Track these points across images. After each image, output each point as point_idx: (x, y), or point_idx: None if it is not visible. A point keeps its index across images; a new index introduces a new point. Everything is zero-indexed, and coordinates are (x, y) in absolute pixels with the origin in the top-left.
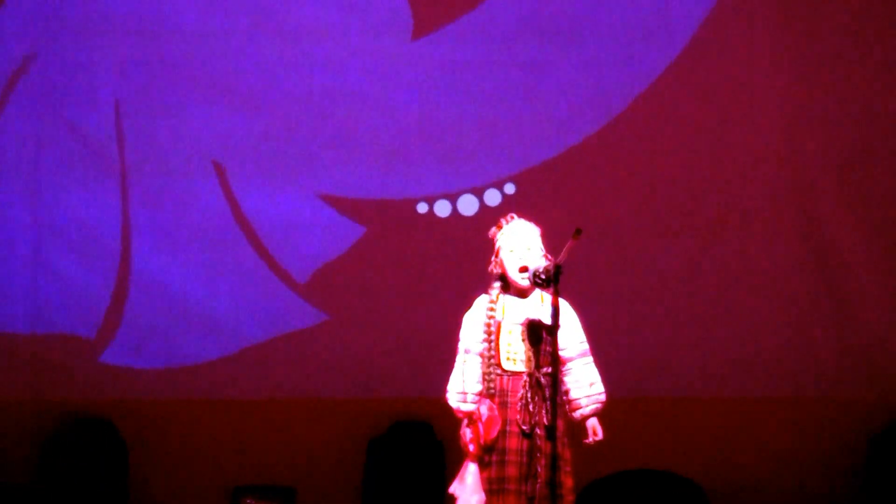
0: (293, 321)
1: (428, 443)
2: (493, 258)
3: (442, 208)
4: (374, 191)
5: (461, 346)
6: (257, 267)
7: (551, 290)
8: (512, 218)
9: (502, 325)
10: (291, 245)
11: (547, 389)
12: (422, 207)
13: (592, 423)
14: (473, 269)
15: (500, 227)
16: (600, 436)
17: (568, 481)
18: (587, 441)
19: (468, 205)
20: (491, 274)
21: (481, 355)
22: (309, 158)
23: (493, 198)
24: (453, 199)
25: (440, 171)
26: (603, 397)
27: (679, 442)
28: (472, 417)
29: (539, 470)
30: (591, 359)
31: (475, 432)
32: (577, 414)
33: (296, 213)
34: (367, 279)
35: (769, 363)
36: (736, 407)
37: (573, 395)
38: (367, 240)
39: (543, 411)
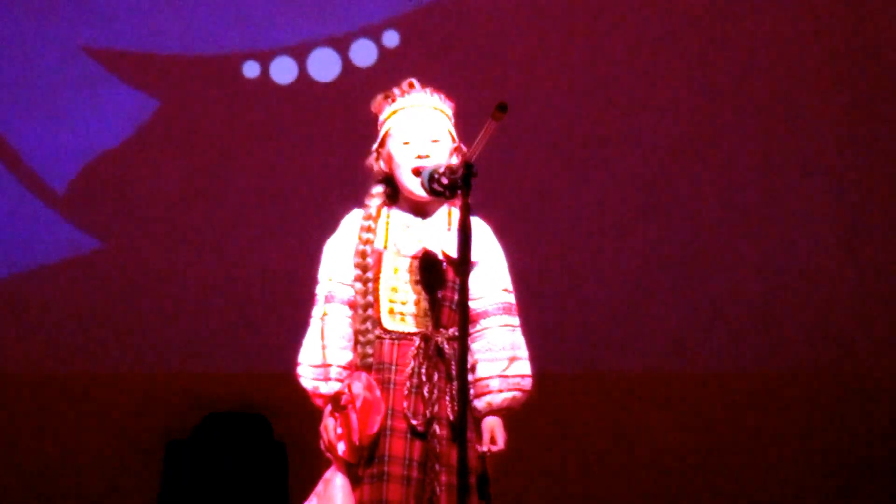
0: (45, 250)
1: (262, 445)
2: (374, 149)
3: (283, 70)
4: (174, 42)
5: (319, 291)
6: None
7: (458, 203)
8: (411, 87)
9: (385, 259)
10: (44, 134)
11: (453, 363)
12: (251, 69)
13: (490, 423)
14: (336, 169)
15: (390, 99)
16: (500, 445)
17: None
18: (481, 449)
19: (325, 64)
20: (370, 174)
21: (351, 305)
22: None
23: (363, 53)
24: (301, 56)
25: (280, 12)
26: (527, 383)
27: (643, 424)
28: (338, 402)
29: (437, 492)
30: (516, 319)
31: (345, 424)
32: (483, 402)
33: (45, 78)
34: (161, 184)
35: (737, 335)
36: (705, 383)
37: (481, 371)
38: (160, 121)
39: (446, 398)
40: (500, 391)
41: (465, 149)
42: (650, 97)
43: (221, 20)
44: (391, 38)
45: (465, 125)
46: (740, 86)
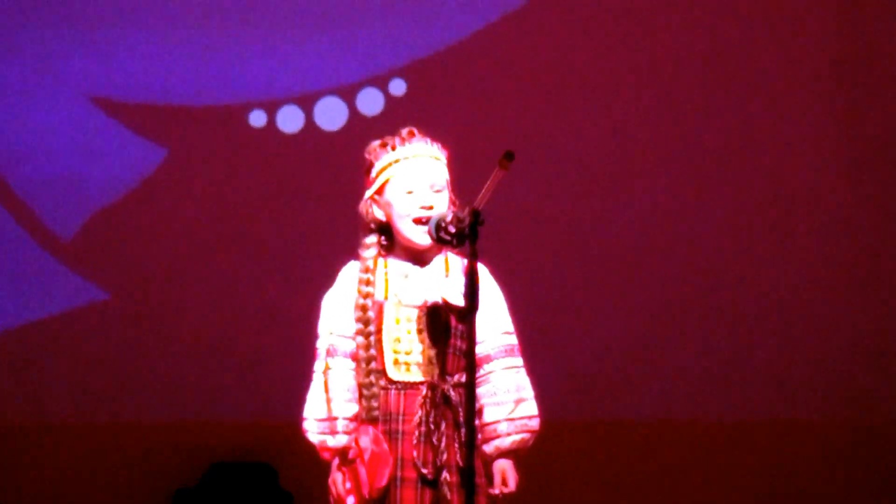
0: (51, 300)
1: (269, 494)
2: (369, 196)
3: (290, 119)
4: (181, 92)
5: (320, 345)
6: None
7: (462, 251)
8: (411, 135)
9: (386, 310)
10: (51, 184)
11: (461, 409)
12: (257, 118)
13: (501, 466)
14: (341, 216)
15: (389, 147)
16: (511, 486)
17: None
18: (492, 492)
19: (332, 113)
20: (364, 223)
21: (354, 357)
22: (75, 42)
23: (370, 101)
24: (308, 105)
25: (287, 60)
26: (535, 423)
27: (654, 472)
28: (345, 456)
29: None
30: (520, 360)
31: (354, 478)
32: (492, 447)
33: (53, 128)
34: (168, 234)
35: (750, 384)
36: (716, 431)
37: (488, 416)
38: (167, 171)
39: (455, 445)
40: (509, 434)
41: (455, 199)
42: (660, 145)
43: (228, 70)
44: (398, 87)
45: (472, 172)
46: (749, 131)
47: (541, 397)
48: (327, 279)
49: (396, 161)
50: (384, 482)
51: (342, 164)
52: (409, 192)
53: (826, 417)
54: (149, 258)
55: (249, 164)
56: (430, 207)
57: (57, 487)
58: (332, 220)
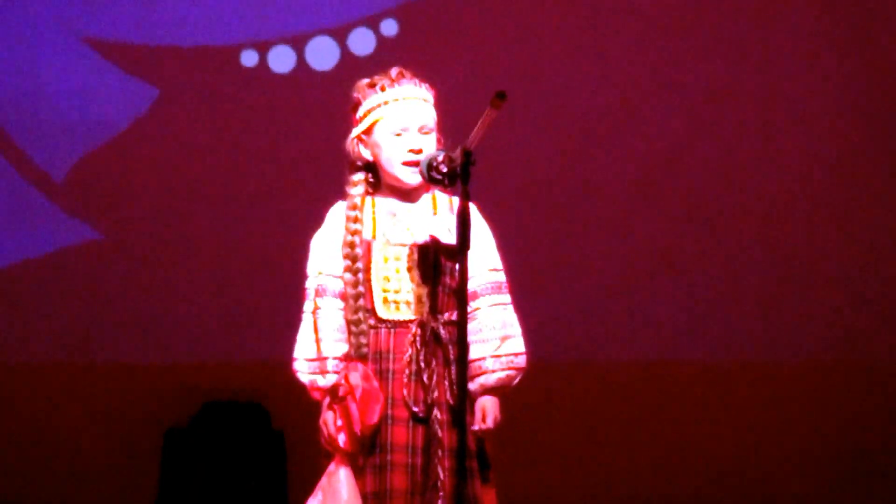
0: (44, 240)
1: (260, 434)
2: (356, 136)
3: (281, 59)
4: (173, 32)
5: (309, 285)
6: None
7: (451, 190)
8: (400, 76)
9: (374, 249)
10: (42, 124)
11: (451, 347)
12: (249, 58)
13: (482, 403)
14: (332, 157)
15: (378, 88)
16: (490, 423)
17: (487, 495)
18: (473, 428)
19: (324, 53)
20: (350, 161)
21: (343, 297)
22: None
23: (362, 42)
24: (300, 45)
25: (279, 1)
26: (521, 360)
27: (642, 414)
28: (336, 393)
29: (441, 477)
30: (507, 297)
31: (345, 415)
32: (477, 384)
33: (44, 69)
34: (159, 174)
35: (739, 325)
36: (704, 372)
37: (474, 353)
38: (158, 111)
39: (445, 383)
40: (493, 371)
41: (441, 138)
42: (652, 87)
43: (219, 10)
44: (389, 27)
45: (463, 113)
46: (742, 73)
47: (528, 337)
48: (317, 220)
49: (385, 103)
50: (375, 419)
51: (333, 105)
52: (398, 135)
53: (815, 359)
54: (141, 198)
55: (241, 104)
56: (420, 151)
57: (49, 427)
58: (323, 160)
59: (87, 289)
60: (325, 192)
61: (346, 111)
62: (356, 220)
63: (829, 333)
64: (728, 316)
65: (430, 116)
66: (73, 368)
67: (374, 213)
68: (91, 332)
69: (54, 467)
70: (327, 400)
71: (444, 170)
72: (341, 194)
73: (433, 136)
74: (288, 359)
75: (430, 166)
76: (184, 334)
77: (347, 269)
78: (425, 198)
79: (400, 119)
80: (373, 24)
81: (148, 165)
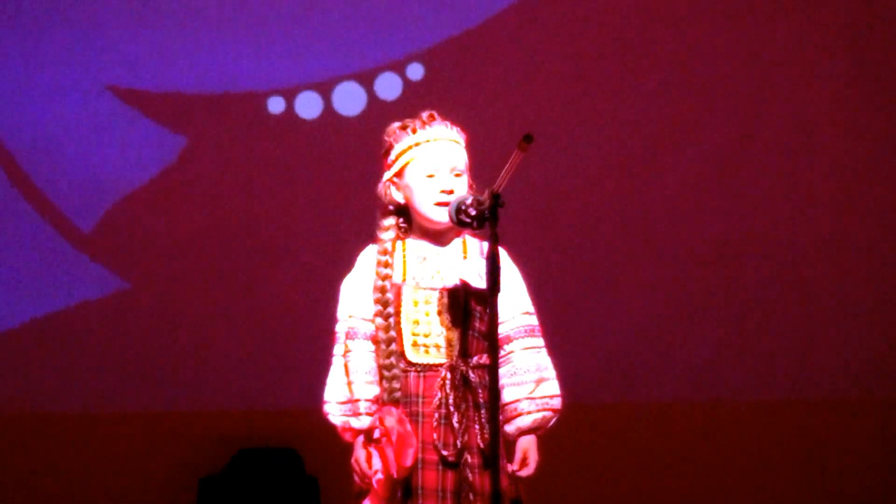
0: (73, 290)
1: (294, 479)
2: (388, 179)
3: (308, 105)
4: (200, 80)
5: (339, 329)
6: (18, 206)
7: (480, 234)
8: (431, 119)
9: (404, 292)
10: (71, 174)
11: (480, 391)
12: (275, 104)
13: (523, 445)
14: (360, 202)
15: (409, 130)
16: (531, 468)
17: None
18: (511, 469)
19: (350, 98)
20: (382, 205)
21: (374, 340)
22: (93, 33)
23: (389, 86)
24: (326, 90)
25: (305, 47)
26: (556, 402)
27: (676, 453)
28: (370, 436)
29: None
30: (540, 341)
31: (382, 458)
32: (513, 426)
33: (72, 119)
34: (188, 222)
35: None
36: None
37: (508, 395)
38: (186, 159)
39: (476, 427)
40: (529, 413)
41: (473, 183)
42: (680, 126)
43: (245, 57)
44: (416, 71)
45: (490, 156)
46: (763, 103)
47: (563, 379)
48: (346, 265)
49: (417, 144)
50: (410, 462)
51: (361, 150)
52: (430, 176)
53: (853, 396)
54: (169, 247)
55: (268, 151)
56: (451, 192)
57: (83, 477)
58: (351, 205)
59: (117, 338)
60: (353, 237)
61: (373, 156)
62: (387, 264)
63: (862, 370)
64: (763, 355)
65: (461, 158)
66: (105, 418)
67: (404, 256)
68: (123, 381)
69: None
70: (361, 439)
71: (473, 213)
72: (371, 239)
73: (465, 178)
74: (321, 404)
75: (459, 209)
76: (216, 382)
77: (378, 314)
78: (456, 242)
79: (431, 160)
80: (399, 68)
81: (177, 213)
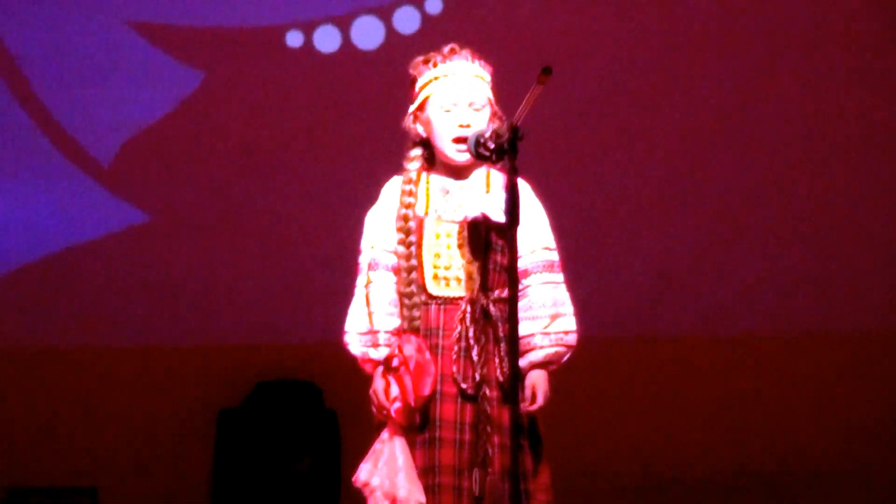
0: (94, 224)
1: (313, 412)
2: (412, 113)
3: (327, 39)
4: (218, 14)
5: (362, 260)
6: (37, 141)
7: (503, 167)
8: (452, 53)
9: (426, 225)
10: (89, 108)
11: (500, 325)
12: (294, 38)
13: (532, 379)
14: (379, 135)
15: (431, 64)
16: (540, 401)
17: (542, 473)
18: (522, 405)
19: (369, 32)
20: (407, 137)
21: (396, 271)
22: None
23: (406, 20)
24: (345, 25)
25: None
26: (571, 339)
27: (698, 388)
28: (389, 364)
29: (490, 454)
30: (559, 276)
31: (400, 387)
32: (526, 361)
33: (91, 53)
34: (207, 156)
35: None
36: (754, 346)
37: (523, 329)
38: (204, 93)
39: (496, 360)
40: (542, 347)
41: (501, 115)
42: (698, 58)
43: None
44: (434, 5)
45: (508, 89)
46: (789, 42)
47: (583, 312)
48: (365, 198)
49: (436, 78)
50: (428, 391)
51: (379, 84)
52: (448, 111)
53: (878, 329)
54: (188, 180)
55: (286, 85)
56: (468, 126)
57: (102, 410)
58: (370, 138)
59: (136, 271)
60: (372, 170)
61: (392, 90)
62: (410, 193)
63: (886, 303)
64: (782, 288)
65: (480, 92)
66: (126, 351)
67: (427, 189)
68: (142, 314)
69: (109, 449)
70: (379, 370)
71: (492, 146)
72: (390, 172)
73: (484, 113)
74: (340, 339)
75: (478, 143)
76: (235, 315)
77: (401, 243)
78: (479, 175)
79: (449, 94)
80: (417, 2)
81: (195, 147)
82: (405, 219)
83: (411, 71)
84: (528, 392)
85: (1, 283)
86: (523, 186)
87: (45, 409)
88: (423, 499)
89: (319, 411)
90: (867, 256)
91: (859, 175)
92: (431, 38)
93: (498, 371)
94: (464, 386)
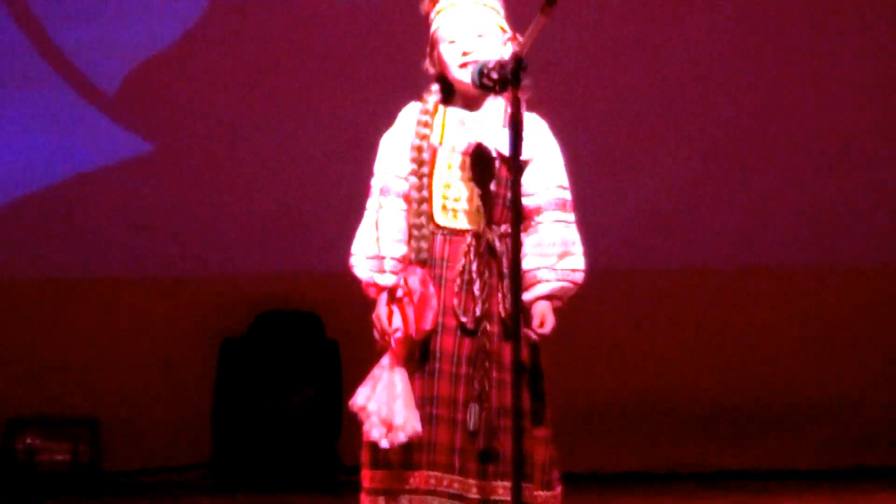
0: (97, 153)
1: (315, 342)
2: (428, 50)
3: None
4: None
5: (374, 183)
6: (41, 69)
7: (508, 96)
8: None
9: (439, 155)
10: (93, 36)
11: (505, 260)
12: None
13: (541, 309)
14: (386, 64)
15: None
16: (547, 329)
17: (541, 408)
18: (528, 333)
19: None
20: (428, 75)
21: (407, 198)
22: None
23: None
24: None
25: None
26: (578, 276)
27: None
28: (393, 294)
29: (487, 388)
30: (571, 216)
31: (403, 317)
32: (531, 294)
33: None
34: (211, 85)
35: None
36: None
37: (530, 264)
38: (209, 21)
39: (498, 296)
40: (548, 281)
41: (520, 39)
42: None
43: None
44: None
45: (519, 18)
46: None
47: (590, 244)
48: (376, 125)
49: (440, 12)
50: (429, 326)
51: (389, 14)
52: (452, 42)
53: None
54: (192, 110)
55: (290, 12)
56: (472, 53)
57: (106, 338)
58: (377, 67)
59: (140, 201)
60: (373, 96)
61: (395, 17)
62: (426, 124)
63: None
64: (784, 222)
65: (485, 19)
66: (128, 282)
67: (444, 120)
68: (147, 244)
69: (110, 381)
70: (383, 297)
71: (495, 76)
72: (397, 102)
73: (489, 39)
74: (343, 269)
75: (482, 73)
76: (237, 245)
77: (413, 173)
78: (496, 109)
79: (452, 25)
80: None
81: (200, 76)
82: (419, 150)
83: (421, 10)
84: (536, 321)
85: (1, 213)
86: (538, 122)
87: (45, 341)
88: (419, 427)
89: (321, 341)
90: (866, 192)
91: (861, 108)
92: None
93: (500, 306)
94: (464, 320)
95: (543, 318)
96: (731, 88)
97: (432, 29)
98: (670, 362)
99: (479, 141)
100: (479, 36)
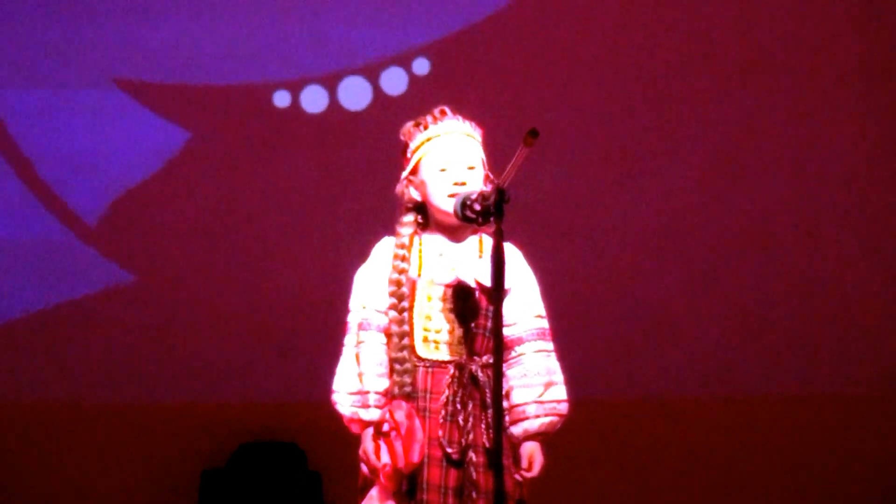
0: (79, 282)
1: (297, 474)
2: (405, 177)
3: (314, 99)
4: (204, 73)
5: (351, 319)
6: (24, 201)
7: (490, 229)
8: (443, 114)
9: (418, 287)
10: (76, 167)
11: (487, 391)
12: (281, 98)
13: (529, 449)
14: (367, 197)
15: (422, 126)
16: (535, 471)
17: None
18: (517, 475)
19: (356, 92)
20: (401, 201)
21: (387, 332)
22: (98, 24)
23: (394, 81)
24: (332, 85)
25: (311, 41)
26: (563, 408)
27: (684, 450)
28: (380, 429)
29: None
30: (550, 345)
31: (390, 452)
32: (519, 429)
33: (77, 112)
34: (193, 215)
35: (776, 358)
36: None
37: (518, 398)
38: (191, 152)
39: (482, 425)
40: (537, 416)
41: (492, 176)
42: (683, 120)
43: (251, 50)
44: (421, 66)
45: (496, 151)
46: (768, 103)
47: (570, 374)
48: (350, 259)
49: (429, 139)
50: (417, 458)
51: (367, 144)
52: (443, 170)
53: (863, 392)
54: (174, 240)
55: (273, 145)
56: (464, 184)
57: (85, 467)
58: (356, 200)
59: (121, 330)
60: (357, 230)
61: (379, 150)
62: (404, 258)
63: (872, 366)
64: (771, 351)
65: (474, 152)
66: (108, 409)
67: (420, 251)
68: (126, 372)
69: None
70: (369, 432)
71: (478, 208)
72: (375, 232)
73: (478, 172)
74: (325, 399)
75: (465, 205)
76: (219, 375)
77: (393, 307)
78: (472, 240)
79: (443, 154)
80: (405, 62)
81: (181, 206)
82: (398, 284)
83: (402, 137)
84: (525, 462)
85: None
86: (513, 252)
87: (22, 470)
88: None
89: (303, 473)
90: (853, 320)
91: (848, 240)
92: (419, 99)
93: (484, 437)
94: (449, 450)
95: (531, 458)
96: (710, 213)
97: (417, 156)
98: (657, 491)
99: (460, 274)
100: (470, 167)
